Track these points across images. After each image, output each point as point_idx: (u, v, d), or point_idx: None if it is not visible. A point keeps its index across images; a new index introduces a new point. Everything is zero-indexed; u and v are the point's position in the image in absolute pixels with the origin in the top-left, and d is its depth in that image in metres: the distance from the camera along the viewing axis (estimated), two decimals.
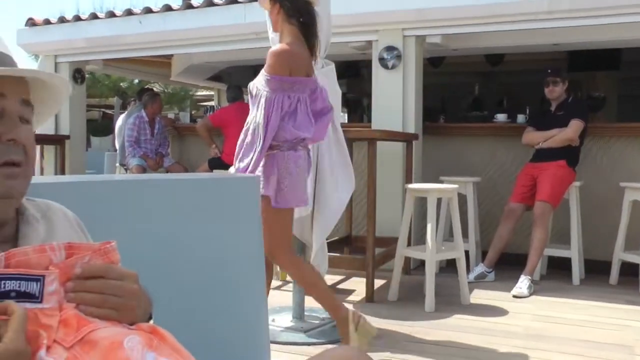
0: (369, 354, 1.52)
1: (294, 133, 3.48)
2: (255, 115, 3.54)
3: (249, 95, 3.66)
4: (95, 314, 1.14)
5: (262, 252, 2.24)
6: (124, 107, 14.03)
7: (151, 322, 1.27)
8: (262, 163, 3.48)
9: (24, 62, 16.18)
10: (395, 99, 6.29)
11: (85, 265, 1.17)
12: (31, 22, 8.62)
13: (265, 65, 3.56)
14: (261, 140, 3.45)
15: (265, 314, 2.26)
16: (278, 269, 4.38)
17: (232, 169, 3.61)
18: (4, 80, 1.23)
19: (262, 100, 3.50)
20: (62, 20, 8.44)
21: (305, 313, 4.31)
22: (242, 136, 3.63)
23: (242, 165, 3.55)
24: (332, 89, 4.04)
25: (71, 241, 1.21)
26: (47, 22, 8.52)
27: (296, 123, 3.51)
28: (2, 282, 1.06)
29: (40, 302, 1.09)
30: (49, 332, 1.07)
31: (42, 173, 8.62)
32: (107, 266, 1.21)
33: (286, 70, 3.50)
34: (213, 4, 7.23)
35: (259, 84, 3.59)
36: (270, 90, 3.50)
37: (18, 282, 1.08)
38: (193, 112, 18.55)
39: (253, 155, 3.50)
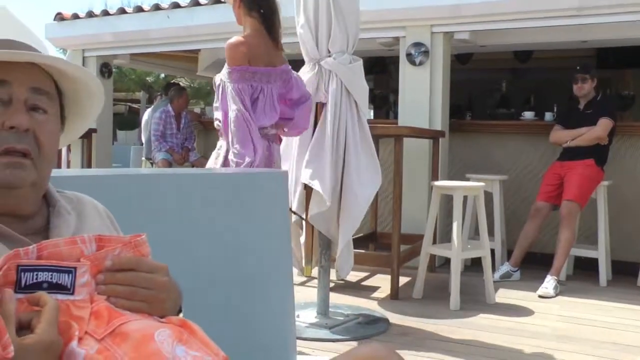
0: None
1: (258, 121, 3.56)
2: (232, 106, 3.56)
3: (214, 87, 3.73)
4: (125, 306, 1.14)
5: (290, 247, 2.24)
6: (150, 101, 14.10)
7: (181, 315, 1.27)
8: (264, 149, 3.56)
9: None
10: (422, 95, 6.24)
11: (115, 258, 1.18)
12: (60, 17, 8.69)
13: (226, 58, 3.64)
14: (253, 128, 3.51)
15: (292, 309, 2.26)
16: (303, 264, 4.36)
17: (231, 156, 3.57)
18: (10, 67, 1.23)
19: (229, 92, 3.56)
20: (90, 14, 8.49)
21: (330, 309, 4.29)
22: (222, 125, 3.66)
23: (248, 152, 3.51)
24: (359, 84, 4.03)
25: (101, 233, 1.21)
26: (75, 16, 8.58)
27: (255, 113, 3.57)
28: (35, 273, 1.07)
29: (72, 293, 1.10)
30: (81, 324, 1.07)
31: (68, 166, 8.69)
32: (138, 259, 1.21)
33: (244, 61, 3.57)
34: None
35: (222, 76, 3.65)
36: (233, 81, 3.56)
37: (50, 273, 1.08)
38: None
39: (255, 144, 3.53)
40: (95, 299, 1.13)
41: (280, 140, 3.90)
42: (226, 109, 3.57)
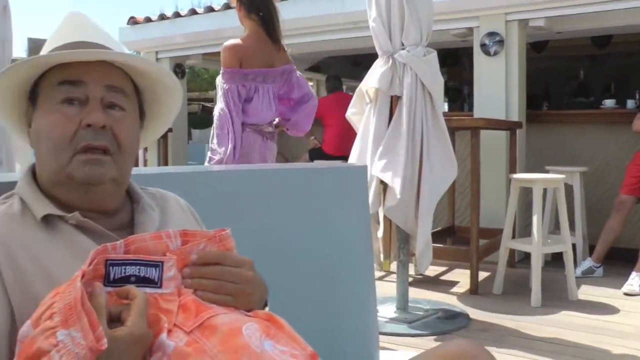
0: None
1: (241, 118, 3.82)
2: (218, 104, 3.87)
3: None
4: (212, 300, 1.16)
5: (371, 241, 2.24)
6: None
7: (267, 309, 1.27)
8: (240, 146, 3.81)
9: None
10: (497, 86, 6.11)
11: (201, 252, 1.20)
12: (133, 21, 8.90)
13: None
14: (231, 127, 3.75)
15: (374, 304, 2.25)
16: (382, 258, 4.33)
17: (208, 154, 3.92)
18: (85, 68, 1.27)
19: (220, 91, 3.82)
20: (162, 17, 8.65)
21: (409, 304, 4.26)
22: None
23: (221, 149, 3.81)
24: (434, 77, 3.98)
25: (186, 229, 1.23)
26: (147, 20, 8.78)
27: (248, 110, 3.82)
28: (123, 267, 1.09)
29: (160, 287, 1.12)
30: (169, 317, 1.09)
31: (145, 165, 8.87)
32: (223, 253, 1.22)
33: (235, 63, 3.82)
34: None
35: (219, 77, 3.91)
36: (224, 82, 3.84)
37: (138, 267, 1.10)
38: None
39: (229, 142, 3.78)
40: (182, 293, 1.14)
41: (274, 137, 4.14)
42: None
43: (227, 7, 7.98)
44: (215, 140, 3.82)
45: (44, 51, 1.34)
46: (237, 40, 3.94)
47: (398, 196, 3.86)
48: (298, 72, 4.08)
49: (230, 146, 3.78)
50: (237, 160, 3.78)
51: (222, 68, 3.88)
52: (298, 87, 4.02)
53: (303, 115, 4.11)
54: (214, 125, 3.83)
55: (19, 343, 1.02)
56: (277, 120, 4.11)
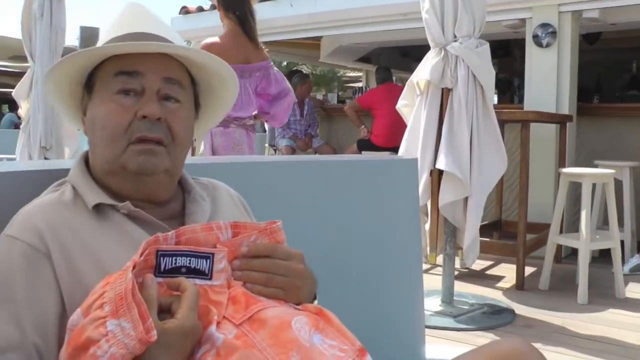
0: None
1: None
2: None
3: None
4: (262, 293, 1.16)
5: (420, 233, 2.24)
6: None
7: (315, 302, 1.27)
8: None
9: None
10: (549, 78, 6.03)
11: (251, 244, 1.20)
12: (185, 10, 8.98)
13: None
14: None
15: (421, 298, 2.25)
16: (428, 251, 4.33)
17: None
18: (143, 59, 1.28)
19: None
20: (214, 7, 8.66)
21: (454, 298, 4.25)
22: None
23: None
24: (486, 69, 3.95)
25: (237, 220, 1.23)
26: (200, 9, 8.83)
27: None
28: (174, 258, 1.10)
29: (210, 279, 1.12)
30: (219, 309, 1.09)
31: (193, 154, 8.96)
32: (274, 245, 1.22)
33: None
34: None
35: None
36: None
37: (189, 258, 1.11)
38: (340, 94, 18.68)
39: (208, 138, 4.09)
40: (232, 285, 1.15)
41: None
42: None
43: None
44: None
45: (102, 41, 1.35)
46: (215, 39, 4.20)
47: (469, 190, 3.86)
48: (275, 69, 4.29)
49: (213, 140, 4.14)
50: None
51: None
52: (276, 83, 4.23)
53: (281, 109, 4.35)
54: None
55: (69, 331, 1.03)
56: (255, 112, 4.38)
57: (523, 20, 6.33)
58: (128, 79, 1.27)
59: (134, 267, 1.03)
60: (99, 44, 1.35)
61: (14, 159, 5.45)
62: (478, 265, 5.50)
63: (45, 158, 4.99)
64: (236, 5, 4.21)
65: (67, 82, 1.37)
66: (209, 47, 4.02)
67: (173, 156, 1.29)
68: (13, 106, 14.28)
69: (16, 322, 1.10)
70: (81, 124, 1.38)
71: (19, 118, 14.98)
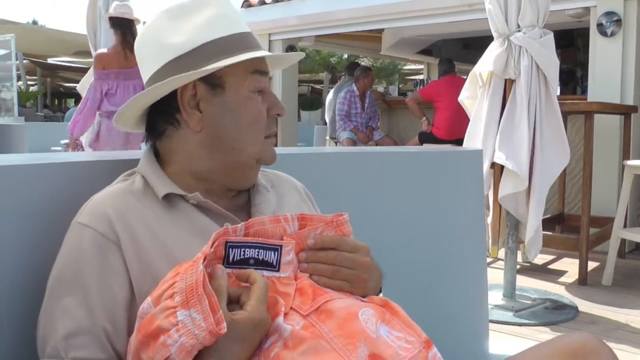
0: None
1: (107, 107, 5.08)
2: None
3: None
4: (328, 285, 1.17)
5: (484, 226, 2.22)
6: (333, 82, 14.33)
7: (381, 294, 1.27)
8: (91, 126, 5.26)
9: None
10: (613, 68, 5.88)
11: (318, 237, 1.20)
12: (247, 4, 9.06)
13: None
14: (89, 117, 5.18)
15: (485, 292, 2.23)
16: (489, 244, 4.28)
17: (82, 139, 5.33)
18: (264, 59, 1.35)
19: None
20: (276, 0, 8.74)
21: (516, 292, 4.19)
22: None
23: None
24: (550, 60, 3.87)
25: (304, 212, 1.24)
26: (262, 2, 8.90)
27: (113, 102, 5.09)
28: (242, 249, 1.11)
29: (278, 270, 1.14)
30: (287, 300, 1.10)
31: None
32: (340, 238, 1.23)
33: (100, 67, 5.13)
34: None
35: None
36: (94, 80, 5.16)
37: (257, 250, 1.12)
38: (401, 86, 18.61)
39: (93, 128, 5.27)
40: (298, 277, 1.16)
41: None
42: None
43: None
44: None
45: (203, 30, 1.31)
46: (104, 50, 5.36)
47: (525, 183, 3.81)
48: None
49: (97, 133, 5.24)
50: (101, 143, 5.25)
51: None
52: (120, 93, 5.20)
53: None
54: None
55: (139, 319, 1.06)
56: None
57: (587, 9, 6.20)
58: (261, 78, 1.33)
59: (204, 259, 1.04)
60: (195, 32, 1.31)
61: None
62: (540, 259, 5.42)
63: None
64: (122, 25, 5.16)
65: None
66: (95, 57, 5.26)
67: None
68: (78, 100, 14.63)
69: (87, 307, 1.14)
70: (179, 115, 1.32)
71: None
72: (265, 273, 1.12)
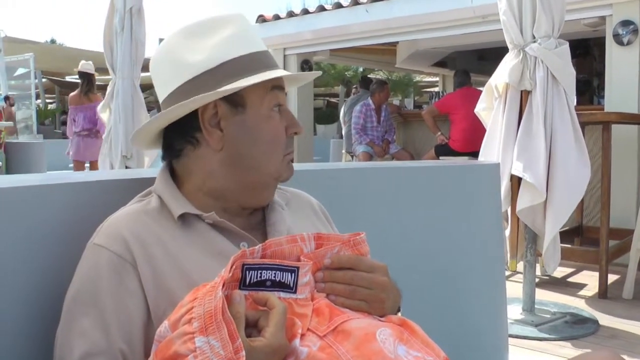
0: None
1: (75, 129, 8.27)
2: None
3: None
4: (345, 305, 1.16)
5: (502, 240, 2.20)
6: (348, 95, 14.39)
7: (399, 314, 1.26)
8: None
9: None
10: (630, 78, 5.85)
11: (335, 256, 1.20)
12: (261, 19, 9.12)
13: None
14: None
15: (504, 306, 2.22)
16: (508, 258, 4.25)
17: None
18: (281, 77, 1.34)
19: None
20: (290, 14, 8.80)
21: (536, 306, 4.14)
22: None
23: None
24: (566, 70, 3.85)
25: (320, 232, 1.24)
26: (276, 17, 8.96)
27: (77, 124, 8.31)
28: (259, 271, 1.10)
29: (295, 292, 1.13)
30: (304, 321, 1.10)
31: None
32: (357, 258, 1.22)
33: (69, 104, 8.34)
34: None
35: None
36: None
37: (274, 272, 1.11)
38: (416, 98, 18.61)
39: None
40: (315, 297, 1.15)
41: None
42: None
43: (355, 2, 8.04)
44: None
45: (224, 51, 1.31)
46: (75, 92, 8.42)
47: (544, 196, 3.78)
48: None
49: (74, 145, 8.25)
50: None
51: None
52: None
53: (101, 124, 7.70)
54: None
55: (156, 342, 1.05)
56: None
57: (603, 18, 6.17)
58: (279, 93, 1.33)
59: (223, 285, 1.03)
60: (214, 50, 1.30)
61: None
62: (559, 272, 5.37)
63: (126, 166, 5.12)
64: (84, 77, 8.32)
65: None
66: (69, 96, 8.34)
67: None
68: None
69: (103, 328, 1.13)
70: (200, 134, 1.31)
71: None
72: (282, 294, 1.11)
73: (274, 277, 1.11)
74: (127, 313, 1.15)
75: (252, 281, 1.10)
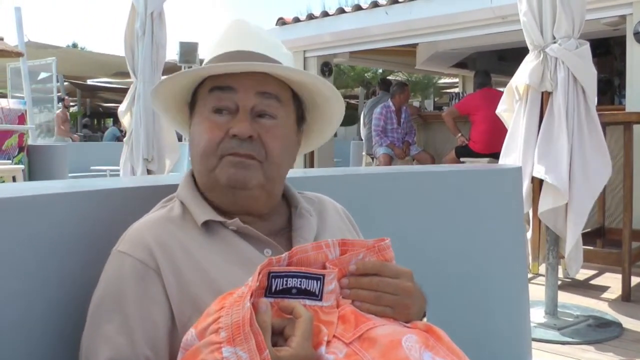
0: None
1: None
2: None
3: None
4: (371, 311, 1.16)
5: (524, 244, 2.19)
6: (367, 97, 14.40)
7: (424, 320, 1.26)
8: None
9: None
10: None
11: (359, 262, 1.19)
12: (281, 22, 9.17)
13: None
14: None
15: (527, 310, 2.21)
16: (529, 260, 4.22)
17: None
18: (237, 76, 1.29)
19: None
20: (310, 17, 8.83)
21: (558, 309, 4.11)
22: None
23: None
24: (587, 71, 3.83)
25: (345, 238, 1.23)
26: (296, 20, 9.00)
27: None
28: (285, 279, 1.10)
29: (320, 300, 1.12)
30: (330, 328, 1.09)
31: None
32: (382, 263, 1.21)
33: None
34: None
35: None
36: None
37: (299, 279, 1.11)
38: (436, 100, 18.57)
39: None
40: (341, 303, 1.15)
41: None
42: None
43: (374, 5, 8.04)
44: None
45: (207, 58, 1.38)
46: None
47: (567, 198, 3.76)
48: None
49: None
50: None
51: None
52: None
53: None
54: None
55: (182, 350, 1.05)
56: None
57: (623, 17, 6.14)
58: (221, 94, 1.29)
59: (251, 295, 1.03)
60: (205, 61, 1.38)
61: (117, 171, 5.65)
62: (581, 274, 5.31)
63: (148, 170, 5.14)
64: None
65: (172, 102, 1.42)
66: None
67: (268, 172, 1.29)
68: (117, 120, 14.90)
69: (127, 334, 1.14)
70: None
71: (121, 132, 15.58)
72: (308, 302, 1.11)
73: (300, 284, 1.11)
74: (152, 319, 1.16)
75: (277, 289, 1.10)
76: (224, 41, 1.38)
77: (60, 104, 14.60)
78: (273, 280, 1.10)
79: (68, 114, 15.37)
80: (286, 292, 1.10)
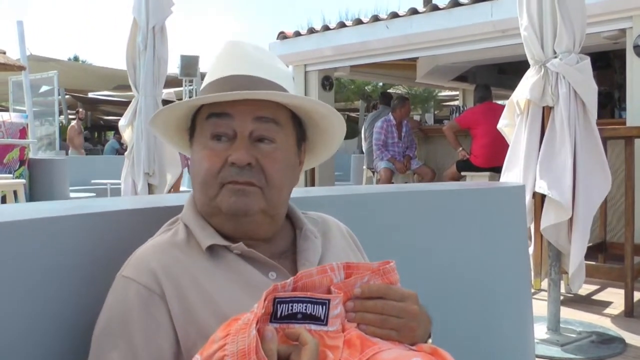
0: None
1: None
2: None
3: None
4: (376, 334, 1.15)
5: (527, 261, 2.19)
6: (368, 110, 14.42)
7: (430, 341, 1.25)
8: None
9: None
10: None
11: (364, 286, 1.19)
12: (282, 36, 9.19)
13: None
14: None
15: (531, 327, 2.20)
16: (532, 276, 4.21)
17: None
18: (233, 102, 1.28)
19: None
20: (311, 31, 8.86)
21: (561, 325, 4.08)
22: None
23: None
24: (587, 85, 3.82)
25: (349, 259, 1.24)
26: (297, 34, 9.02)
27: None
28: (290, 304, 1.10)
29: (326, 325, 1.12)
30: (335, 353, 1.09)
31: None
32: (387, 287, 1.21)
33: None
34: (459, 4, 7.21)
35: None
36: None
37: (305, 304, 1.10)
38: (436, 113, 18.59)
39: None
40: (346, 327, 1.14)
41: None
42: None
43: (375, 19, 8.07)
44: None
45: (203, 83, 1.39)
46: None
47: (570, 213, 3.75)
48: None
49: None
50: None
51: None
52: None
53: None
54: None
55: None
56: None
57: (623, 31, 6.16)
58: (218, 121, 1.28)
59: (257, 322, 1.03)
60: (202, 85, 1.38)
61: (118, 184, 5.65)
62: (583, 289, 5.28)
63: (149, 184, 5.14)
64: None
65: (172, 128, 1.44)
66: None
67: (269, 197, 1.29)
68: (117, 132, 14.96)
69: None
70: None
71: (121, 145, 15.59)
72: (314, 327, 1.10)
73: (305, 309, 1.10)
74: (157, 345, 1.15)
75: (283, 314, 1.09)
76: (220, 65, 1.38)
77: (74, 116, 14.69)
78: (278, 306, 1.09)
79: (82, 126, 15.41)
80: (292, 318, 1.09)
